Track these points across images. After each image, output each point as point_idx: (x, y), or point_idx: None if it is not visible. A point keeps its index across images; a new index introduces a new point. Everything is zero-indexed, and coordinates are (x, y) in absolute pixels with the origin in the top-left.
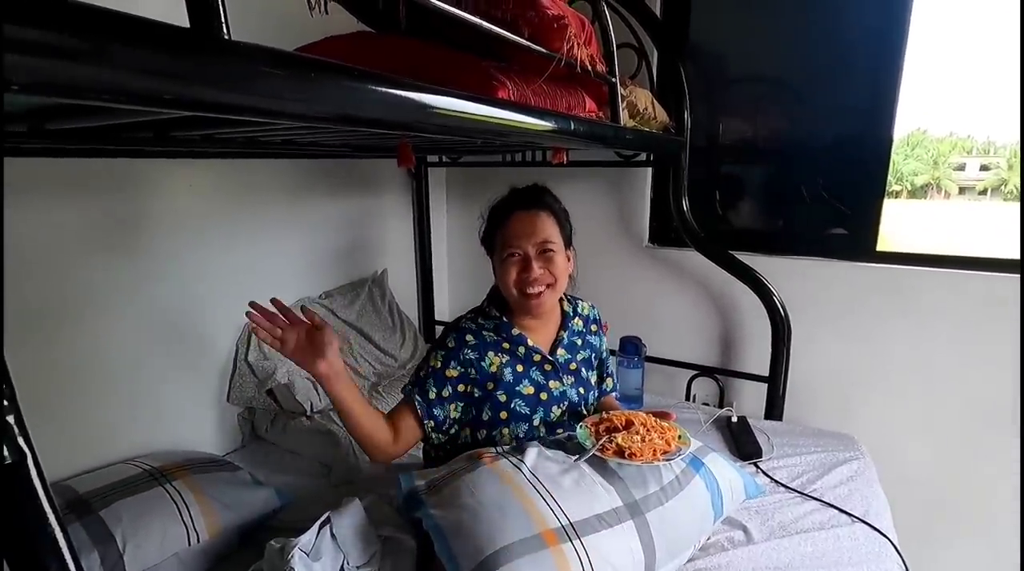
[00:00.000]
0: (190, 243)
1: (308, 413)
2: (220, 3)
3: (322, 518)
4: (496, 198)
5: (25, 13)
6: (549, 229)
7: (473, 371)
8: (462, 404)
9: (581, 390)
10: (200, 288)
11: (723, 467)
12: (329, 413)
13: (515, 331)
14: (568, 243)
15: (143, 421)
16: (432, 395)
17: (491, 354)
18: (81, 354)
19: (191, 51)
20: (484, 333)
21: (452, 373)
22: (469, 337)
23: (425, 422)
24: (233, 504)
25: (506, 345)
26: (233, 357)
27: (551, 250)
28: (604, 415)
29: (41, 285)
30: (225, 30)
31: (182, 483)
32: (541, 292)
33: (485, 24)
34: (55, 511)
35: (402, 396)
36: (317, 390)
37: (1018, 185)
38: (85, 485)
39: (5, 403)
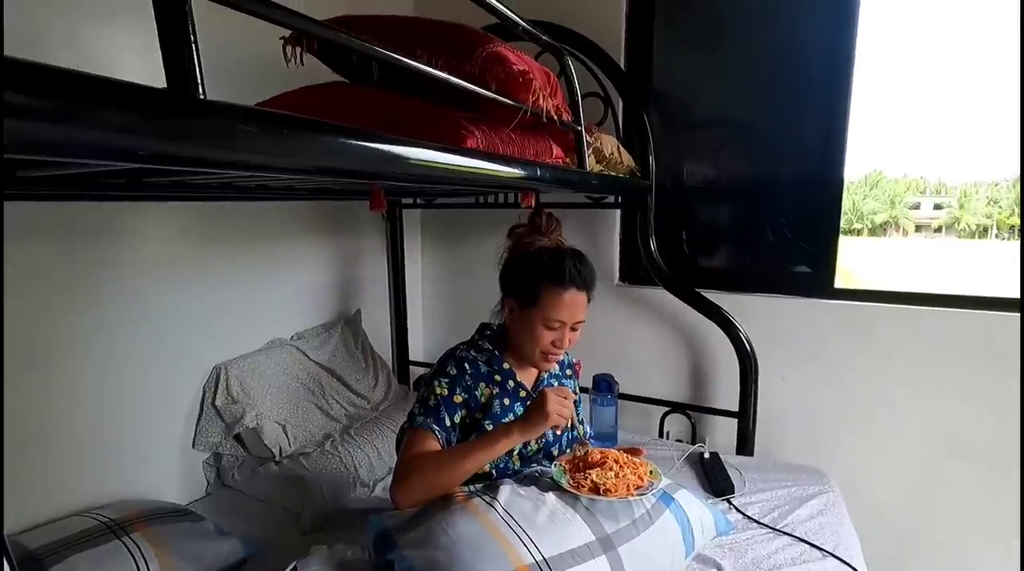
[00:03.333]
0: (159, 286)
1: (277, 458)
2: (196, 66)
3: (289, 567)
4: (550, 256)
5: (12, 79)
6: (585, 309)
7: (470, 399)
8: (460, 430)
9: (557, 431)
10: (169, 331)
11: (693, 503)
12: (299, 458)
13: (506, 365)
14: None
15: (103, 469)
16: (447, 422)
17: (483, 385)
18: (39, 398)
19: (168, 111)
20: (479, 364)
21: (458, 399)
22: (467, 366)
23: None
24: (195, 556)
25: (497, 378)
26: (200, 401)
27: (579, 327)
28: (578, 452)
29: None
30: (201, 90)
31: (141, 535)
32: (557, 357)
33: (453, 79)
34: (11, 564)
35: (412, 427)
36: (287, 434)
37: (971, 224)
38: (37, 540)
39: None
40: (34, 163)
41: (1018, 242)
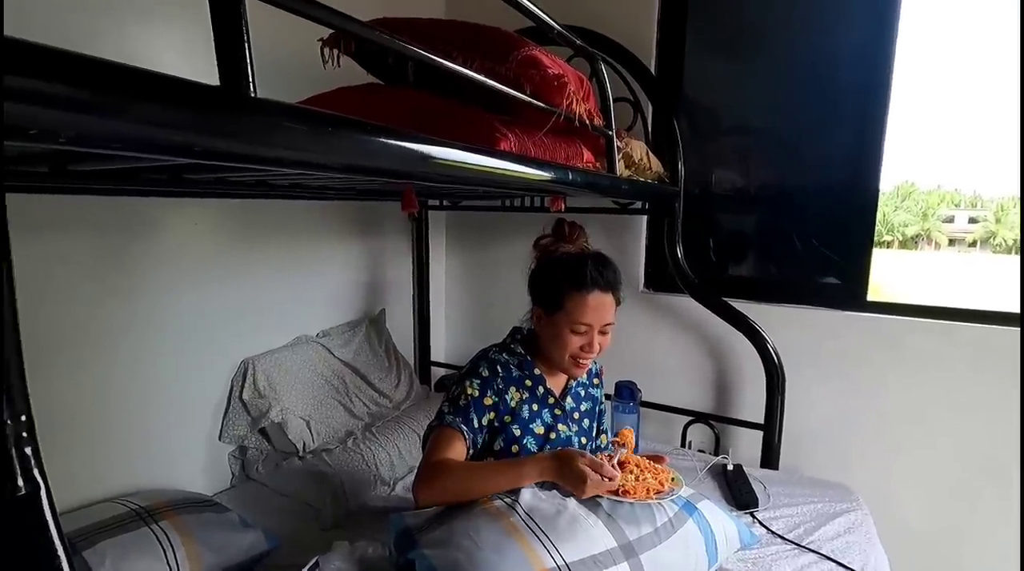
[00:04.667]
0: (191, 281)
1: (300, 453)
2: (249, 64)
3: (311, 563)
4: (572, 261)
5: (79, 76)
6: (614, 307)
7: (500, 402)
8: (488, 432)
9: (583, 439)
10: (198, 325)
11: (716, 513)
12: (321, 454)
13: (537, 371)
14: None
15: (133, 458)
16: (475, 423)
17: (513, 389)
18: (74, 388)
19: (222, 107)
20: (511, 367)
21: (488, 401)
22: (499, 368)
23: (470, 450)
24: (220, 547)
25: (528, 383)
26: (227, 395)
27: (608, 330)
28: (600, 455)
29: (36, 320)
30: (252, 88)
31: (169, 523)
32: (588, 363)
33: (489, 81)
34: (64, 545)
35: (439, 425)
36: (310, 430)
37: (1007, 238)
38: (70, 524)
39: (24, 435)
40: (84, 157)
41: None
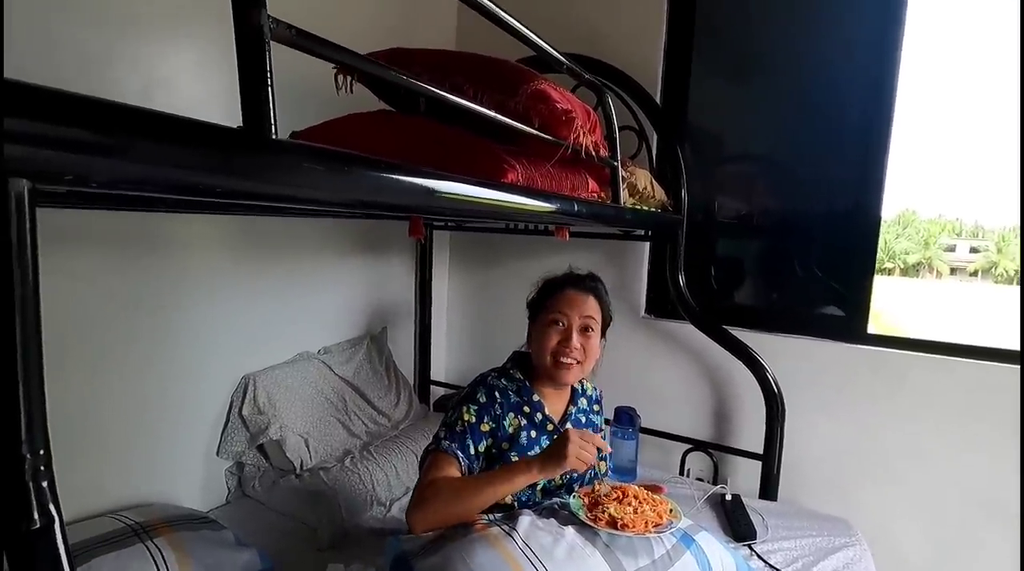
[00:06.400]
0: (195, 295)
1: (297, 471)
2: (271, 107)
3: None
4: (553, 273)
5: (114, 124)
6: (593, 309)
7: (498, 428)
8: (485, 458)
9: (582, 468)
10: (200, 340)
11: (714, 545)
12: (319, 472)
13: (535, 397)
14: (603, 332)
15: (130, 470)
16: (471, 450)
17: (511, 415)
18: (73, 400)
19: (245, 150)
20: (509, 393)
21: (485, 428)
22: (497, 394)
23: (465, 476)
24: (214, 565)
25: (526, 409)
26: (227, 410)
27: (591, 329)
28: (597, 486)
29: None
30: (274, 130)
31: (164, 540)
32: (572, 364)
33: (499, 117)
34: None
35: (435, 450)
36: (308, 447)
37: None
38: None
39: (43, 468)
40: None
41: None
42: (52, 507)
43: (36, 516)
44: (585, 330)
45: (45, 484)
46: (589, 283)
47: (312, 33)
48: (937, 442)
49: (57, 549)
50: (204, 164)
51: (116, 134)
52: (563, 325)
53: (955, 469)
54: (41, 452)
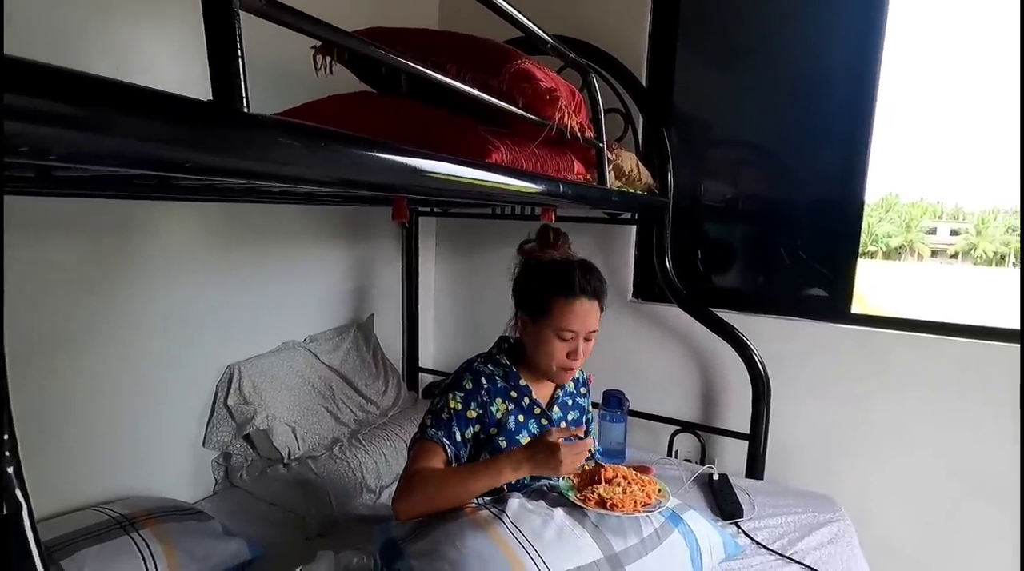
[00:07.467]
0: (177, 283)
1: (285, 460)
2: (242, 79)
3: None
4: (559, 267)
5: (72, 92)
6: (598, 315)
7: (485, 414)
8: (472, 445)
9: None
10: (183, 330)
11: (701, 524)
12: (307, 461)
13: (522, 382)
14: None
15: (115, 463)
16: (458, 437)
17: (499, 401)
18: (55, 392)
19: (215, 123)
20: (496, 379)
21: (471, 415)
22: (483, 380)
23: (452, 464)
24: (202, 556)
25: (513, 394)
26: (212, 400)
27: (593, 337)
28: (585, 467)
29: (16, 322)
30: (246, 103)
31: (150, 532)
32: (574, 370)
33: (482, 95)
34: (46, 567)
35: (422, 438)
36: (296, 436)
37: (987, 250)
38: (49, 531)
39: (7, 454)
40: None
41: None
42: (19, 494)
43: (2, 504)
44: (588, 339)
45: (11, 470)
46: (599, 290)
47: (283, 3)
48: (920, 419)
49: (26, 537)
50: (170, 137)
51: (76, 103)
52: (571, 339)
53: (938, 445)
54: (4, 436)
